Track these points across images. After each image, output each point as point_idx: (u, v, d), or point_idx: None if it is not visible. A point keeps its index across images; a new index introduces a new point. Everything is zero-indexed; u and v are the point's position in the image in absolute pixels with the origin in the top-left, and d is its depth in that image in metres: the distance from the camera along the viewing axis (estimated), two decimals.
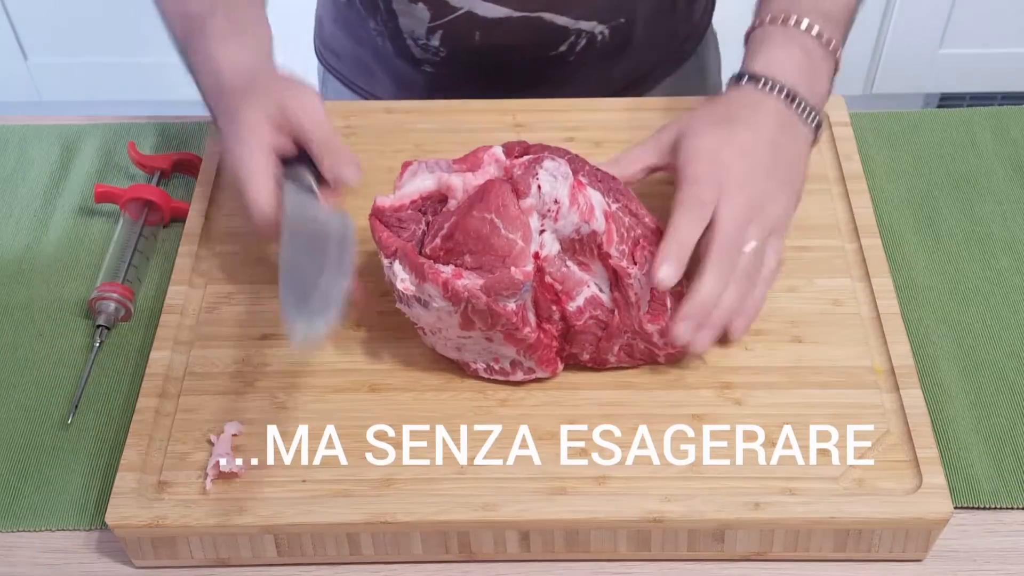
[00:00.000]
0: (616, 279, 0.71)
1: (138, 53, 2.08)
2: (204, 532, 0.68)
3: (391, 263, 0.71)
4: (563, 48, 0.98)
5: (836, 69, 0.82)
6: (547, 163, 0.70)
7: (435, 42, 0.98)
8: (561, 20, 0.96)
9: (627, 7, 0.98)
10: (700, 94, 1.02)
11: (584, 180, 0.71)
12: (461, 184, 0.71)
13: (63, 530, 0.72)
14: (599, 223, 0.70)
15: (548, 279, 0.70)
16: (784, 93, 0.78)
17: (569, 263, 0.71)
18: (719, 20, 1.12)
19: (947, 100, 2.16)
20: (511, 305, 0.68)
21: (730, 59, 0.97)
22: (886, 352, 0.75)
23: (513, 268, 0.68)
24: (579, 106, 0.93)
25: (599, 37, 0.98)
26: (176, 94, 2.16)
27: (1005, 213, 0.88)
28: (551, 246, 0.70)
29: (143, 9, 2.16)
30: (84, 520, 0.72)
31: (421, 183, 0.73)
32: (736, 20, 0.96)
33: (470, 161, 0.73)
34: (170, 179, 0.93)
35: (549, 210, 0.69)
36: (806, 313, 0.78)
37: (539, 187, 0.69)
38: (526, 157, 0.72)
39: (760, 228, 0.74)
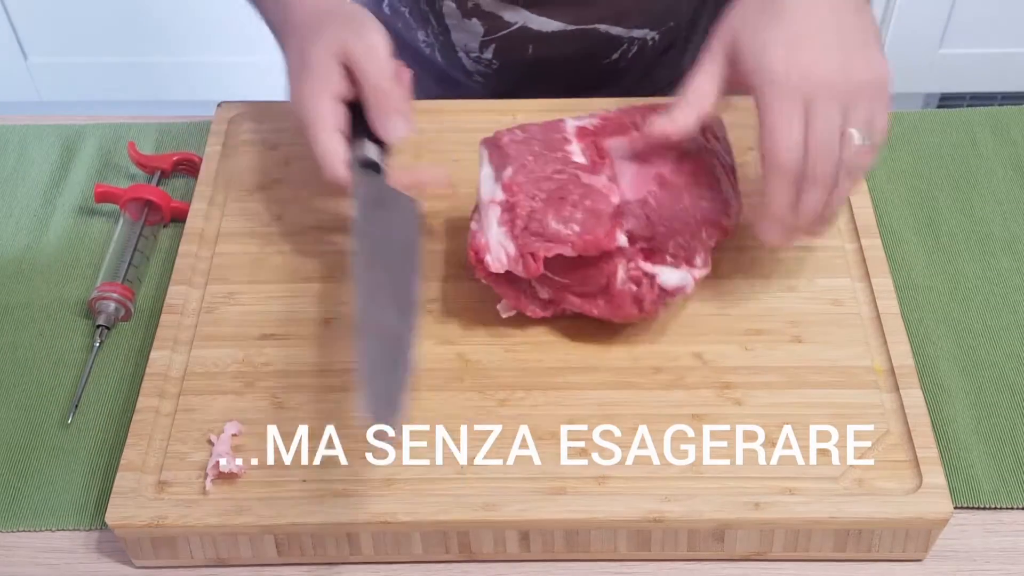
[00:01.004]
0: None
1: (138, 53, 2.08)
2: (204, 532, 0.68)
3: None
4: (615, 56, 0.98)
5: None
6: None
7: (488, 55, 0.98)
8: (616, 30, 0.96)
9: (677, 11, 0.98)
10: None
11: None
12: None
13: (63, 530, 0.72)
14: None
15: None
16: None
17: None
18: None
19: (947, 100, 2.16)
20: None
21: None
22: (886, 352, 0.75)
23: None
24: (579, 106, 0.93)
25: (650, 43, 0.98)
26: (176, 94, 2.17)
27: (1005, 213, 0.88)
28: None
29: (143, 9, 2.17)
30: (84, 520, 0.72)
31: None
32: None
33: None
34: (170, 179, 0.93)
35: None
36: (806, 313, 0.78)
37: None
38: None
39: (859, 111, 0.69)
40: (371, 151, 0.76)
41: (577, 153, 0.76)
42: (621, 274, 0.73)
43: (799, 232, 0.71)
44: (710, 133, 0.79)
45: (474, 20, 0.95)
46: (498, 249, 0.72)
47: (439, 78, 1.04)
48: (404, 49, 1.03)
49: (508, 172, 0.75)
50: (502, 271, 0.73)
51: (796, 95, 0.68)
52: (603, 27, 0.95)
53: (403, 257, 0.72)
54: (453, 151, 0.90)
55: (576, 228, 0.71)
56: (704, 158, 0.77)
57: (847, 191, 0.71)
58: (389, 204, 0.75)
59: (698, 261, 0.74)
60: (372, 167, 0.76)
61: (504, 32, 0.95)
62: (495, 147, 0.78)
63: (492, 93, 1.02)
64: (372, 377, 0.63)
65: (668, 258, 0.73)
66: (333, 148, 0.74)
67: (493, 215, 0.73)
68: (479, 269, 0.74)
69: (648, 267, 0.73)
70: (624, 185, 0.74)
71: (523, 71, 0.98)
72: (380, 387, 0.63)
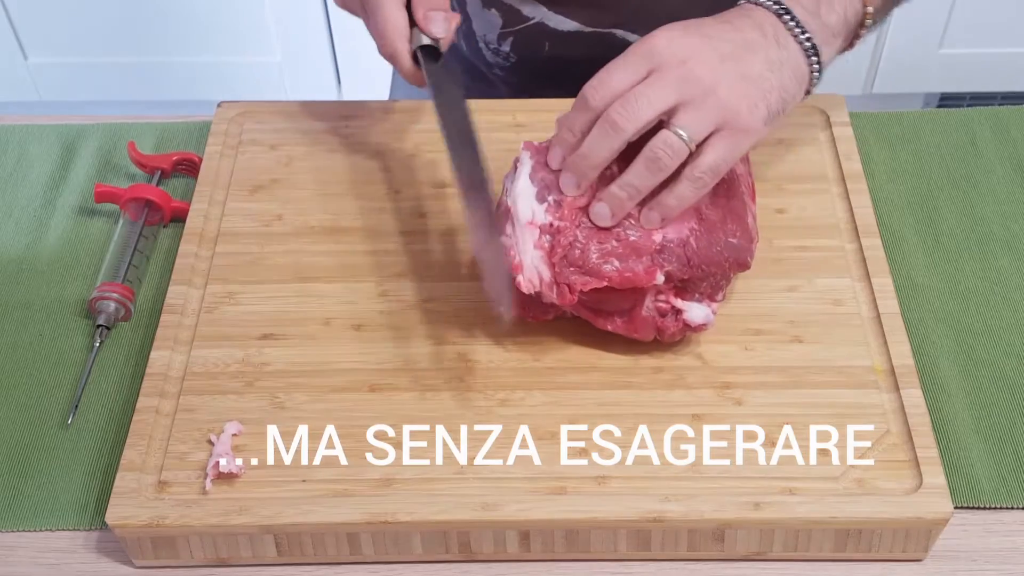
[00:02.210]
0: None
1: (138, 53, 2.08)
2: (204, 532, 0.68)
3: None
4: None
5: (863, 21, 0.77)
6: None
7: (506, 48, 0.98)
8: (632, 37, 0.95)
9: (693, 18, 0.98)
10: None
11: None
12: None
13: (63, 530, 0.72)
14: None
15: None
16: (777, 6, 0.73)
17: None
18: None
19: (947, 100, 2.16)
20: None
21: None
22: (886, 352, 0.75)
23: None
24: None
25: None
26: (176, 94, 2.17)
27: (1005, 213, 0.88)
28: None
29: (143, 9, 2.17)
30: (84, 520, 0.72)
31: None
32: None
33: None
34: (170, 179, 0.93)
35: None
36: (806, 313, 0.78)
37: None
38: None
39: (699, 115, 0.69)
40: (426, 38, 0.78)
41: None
42: (648, 303, 0.72)
43: (586, 179, 0.71)
44: None
45: (493, 11, 0.95)
46: (532, 271, 0.71)
47: (467, 67, 1.04)
48: None
49: (554, 193, 0.72)
50: (532, 292, 0.72)
51: (651, 58, 0.69)
52: (620, 32, 0.95)
53: (471, 135, 0.76)
54: None
55: (616, 264, 0.70)
56: (735, 184, 0.75)
57: (668, 199, 0.70)
58: (452, 85, 0.78)
59: (719, 296, 0.74)
60: (431, 51, 0.78)
61: (522, 26, 0.96)
62: (536, 158, 0.74)
63: (511, 87, 1.02)
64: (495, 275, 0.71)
65: (696, 295, 0.73)
66: (395, 22, 0.76)
67: (531, 236, 0.72)
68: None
69: (677, 302, 0.73)
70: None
71: (540, 68, 0.98)
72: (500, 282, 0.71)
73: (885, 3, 0.79)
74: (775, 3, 0.73)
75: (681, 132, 0.68)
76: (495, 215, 0.73)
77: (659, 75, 0.69)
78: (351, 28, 2.02)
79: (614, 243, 0.71)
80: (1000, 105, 0.98)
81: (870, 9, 0.76)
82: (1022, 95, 2.12)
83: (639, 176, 0.69)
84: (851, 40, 0.78)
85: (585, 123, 0.70)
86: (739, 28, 0.72)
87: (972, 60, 2.07)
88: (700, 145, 0.69)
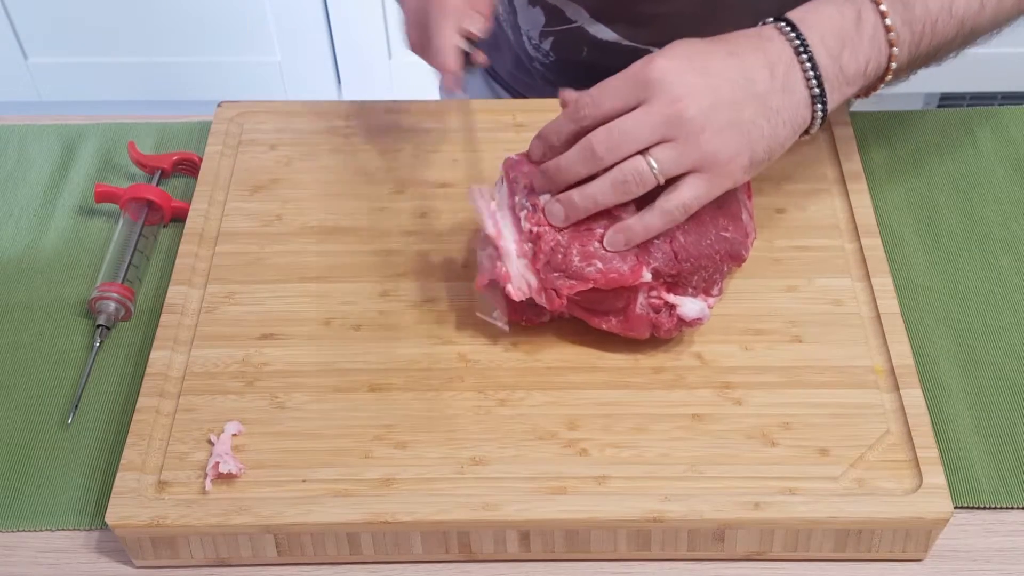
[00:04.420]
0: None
1: (138, 53, 2.08)
2: (204, 532, 0.68)
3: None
4: None
5: (884, 76, 0.73)
6: None
7: (546, 46, 0.99)
8: None
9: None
10: None
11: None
12: None
13: (63, 530, 0.72)
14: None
15: None
16: (799, 40, 0.69)
17: None
18: None
19: (947, 100, 2.16)
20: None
21: None
22: (886, 352, 0.75)
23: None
24: None
25: None
26: (176, 94, 2.17)
27: (1005, 213, 0.88)
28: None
29: (143, 9, 2.17)
30: (84, 520, 0.72)
31: None
32: None
33: None
34: (170, 179, 0.93)
35: None
36: (806, 313, 0.78)
37: None
38: None
39: (678, 153, 0.68)
40: (463, 42, 0.79)
41: None
42: (641, 300, 0.72)
43: (556, 188, 0.71)
44: None
45: (537, 8, 0.96)
46: (520, 280, 0.72)
47: (513, 57, 1.05)
48: (495, 17, 1.04)
49: (531, 198, 0.73)
50: (523, 299, 0.72)
51: (645, 89, 0.68)
52: (655, 51, 0.95)
53: None
54: (452, 151, 0.90)
55: (600, 265, 0.70)
56: None
57: (636, 223, 0.70)
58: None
59: (715, 290, 0.74)
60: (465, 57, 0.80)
61: (563, 28, 0.96)
62: (516, 170, 0.74)
63: (549, 83, 1.03)
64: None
65: (689, 289, 0.73)
66: (450, 41, 0.77)
67: (515, 245, 0.72)
68: (477, 283, 0.74)
69: (670, 297, 0.73)
70: None
71: (577, 71, 0.98)
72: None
73: (912, 62, 0.75)
74: (797, 36, 0.70)
75: (654, 164, 0.68)
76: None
77: (647, 110, 0.68)
78: (351, 28, 2.03)
79: (596, 244, 0.71)
80: (1000, 105, 0.98)
81: (894, 65, 0.73)
82: (1022, 95, 2.12)
83: (602, 193, 0.69)
84: (867, 91, 0.75)
85: (570, 134, 0.71)
86: (747, 65, 0.69)
87: (972, 60, 2.06)
88: (677, 179, 0.69)
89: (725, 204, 0.74)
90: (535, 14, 0.96)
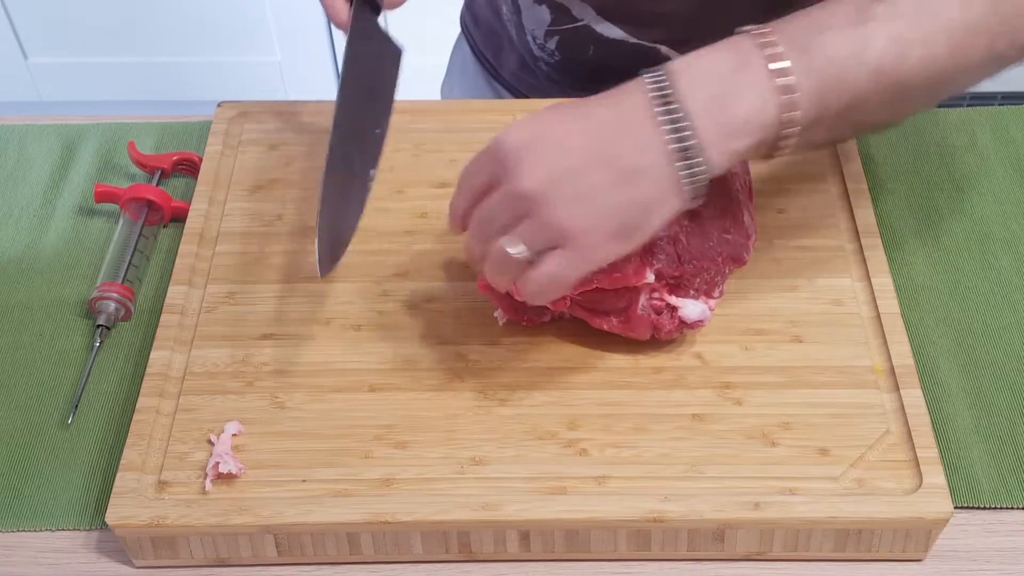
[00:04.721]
0: None
1: (138, 53, 2.08)
2: (204, 532, 0.68)
3: None
4: None
5: (786, 127, 0.63)
6: None
7: (551, 45, 0.98)
8: (675, 55, 0.95)
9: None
10: None
11: None
12: None
13: (63, 530, 0.72)
14: None
15: None
16: (661, 93, 0.62)
17: None
18: None
19: (947, 100, 2.16)
20: None
21: None
22: (886, 352, 0.75)
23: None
24: None
25: None
26: (176, 94, 2.17)
27: (1005, 213, 0.88)
28: None
29: (143, 9, 2.17)
30: (84, 520, 0.72)
31: None
32: None
33: None
34: (170, 179, 0.93)
35: None
36: (806, 313, 0.78)
37: None
38: None
39: (531, 231, 0.63)
40: None
41: None
42: (643, 301, 0.72)
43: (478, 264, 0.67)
44: None
45: (543, 7, 0.96)
46: None
47: (517, 58, 1.05)
48: (498, 17, 1.04)
49: None
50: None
51: (493, 164, 0.64)
52: (664, 48, 0.95)
53: (379, 94, 0.77)
54: (451, 151, 0.90)
55: (603, 265, 0.70)
56: (729, 183, 0.75)
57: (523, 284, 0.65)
58: (376, 42, 0.79)
59: (716, 292, 0.74)
60: (371, 4, 0.80)
61: (569, 26, 0.96)
62: None
63: (554, 83, 1.03)
64: (325, 227, 0.72)
65: (691, 292, 0.73)
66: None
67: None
68: (478, 283, 0.74)
69: (672, 299, 0.73)
70: None
71: (583, 70, 0.98)
72: (328, 239, 0.72)
73: (822, 117, 0.64)
74: (659, 88, 0.63)
75: (513, 248, 0.64)
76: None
77: (501, 190, 0.64)
78: None
79: None
80: (1000, 105, 0.98)
81: (796, 115, 0.63)
82: (1022, 95, 2.12)
83: (491, 270, 0.66)
84: (772, 148, 0.65)
85: (464, 219, 0.68)
86: (597, 127, 0.63)
87: None
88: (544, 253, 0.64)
89: (727, 206, 0.74)
90: (541, 12, 0.96)
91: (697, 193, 0.64)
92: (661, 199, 0.63)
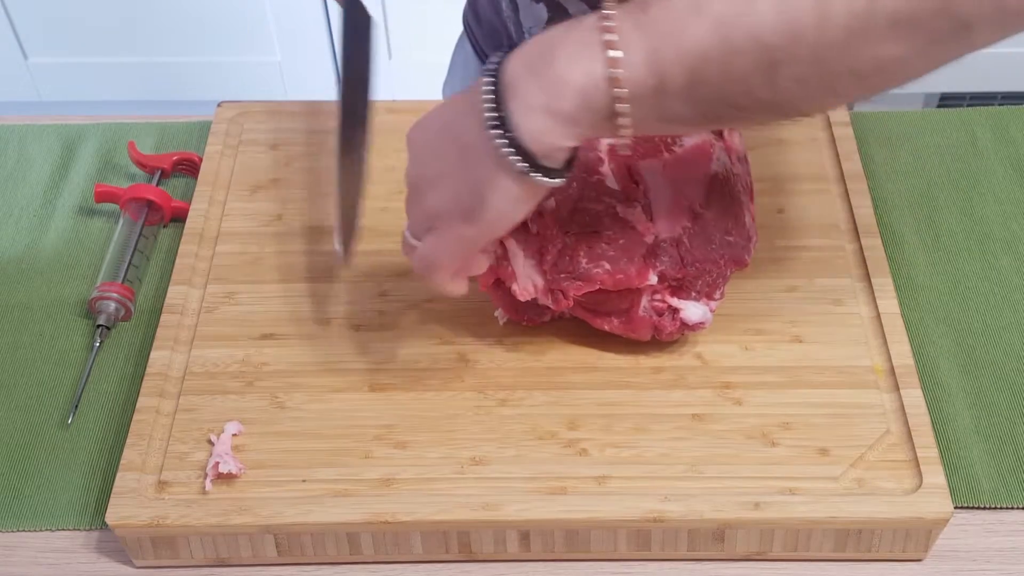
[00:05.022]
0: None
1: (138, 53, 2.08)
2: (204, 532, 0.68)
3: None
4: None
5: (615, 87, 0.57)
6: None
7: None
8: None
9: None
10: None
11: None
12: None
13: (63, 530, 0.72)
14: None
15: None
16: (493, 63, 0.59)
17: None
18: None
19: (947, 100, 2.16)
20: None
21: None
22: (886, 352, 0.75)
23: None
24: None
25: None
26: (176, 94, 2.17)
27: (1005, 213, 0.88)
28: None
29: (143, 9, 2.16)
30: (84, 520, 0.72)
31: None
32: None
33: None
34: (170, 179, 0.93)
35: None
36: (806, 313, 0.78)
37: None
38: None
39: (411, 213, 0.66)
40: None
41: (610, 177, 0.74)
42: (644, 303, 0.72)
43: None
44: (735, 155, 0.77)
45: (540, 5, 0.95)
46: (526, 280, 0.72)
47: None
48: (498, 15, 1.04)
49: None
50: (529, 299, 0.72)
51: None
52: None
53: (360, 67, 0.80)
54: None
55: (607, 266, 0.71)
56: (731, 184, 0.75)
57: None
58: (353, 13, 0.82)
59: (717, 294, 0.74)
60: None
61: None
62: None
63: None
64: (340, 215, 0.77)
65: (693, 293, 0.73)
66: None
67: (520, 245, 0.72)
68: (481, 282, 0.74)
69: (673, 301, 0.73)
70: (659, 217, 0.73)
71: None
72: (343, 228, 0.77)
73: (666, 83, 0.57)
74: (495, 59, 0.60)
75: (406, 233, 0.67)
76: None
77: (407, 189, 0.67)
78: None
79: (604, 246, 0.71)
80: (1000, 105, 0.98)
81: (619, 72, 0.57)
82: (1022, 95, 2.12)
83: (404, 253, 0.69)
84: (609, 121, 0.59)
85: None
86: (453, 106, 0.64)
87: (972, 60, 2.06)
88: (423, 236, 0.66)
89: (728, 207, 0.74)
90: (538, 10, 0.96)
91: (535, 170, 0.59)
92: (489, 176, 0.60)
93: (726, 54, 0.56)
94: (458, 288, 0.68)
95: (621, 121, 0.58)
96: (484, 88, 0.59)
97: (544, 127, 0.58)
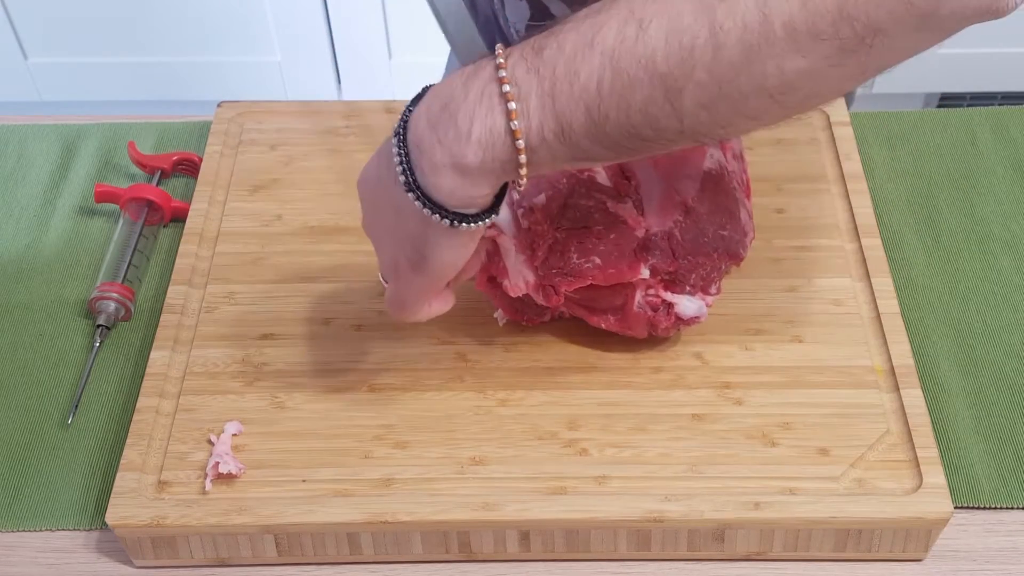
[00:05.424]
0: None
1: (138, 53, 2.08)
2: (204, 532, 0.68)
3: None
4: None
5: (515, 139, 0.56)
6: None
7: None
8: None
9: None
10: None
11: None
12: None
13: (63, 530, 0.72)
14: None
15: None
16: (404, 116, 0.59)
17: None
18: None
19: (947, 100, 2.16)
20: None
21: None
22: (886, 352, 0.75)
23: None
24: None
25: None
26: (176, 94, 2.17)
27: (1005, 213, 0.88)
28: None
29: (143, 9, 2.16)
30: (84, 520, 0.72)
31: None
32: None
33: None
34: (170, 179, 0.93)
35: None
36: (806, 313, 0.78)
37: None
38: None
39: (380, 262, 0.67)
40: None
41: (601, 173, 0.73)
42: (639, 298, 0.72)
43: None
44: (730, 153, 0.77)
45: (523, 3, 0.95)
46: (517, 276, 0.72)
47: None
48: (487, 7, 1.04)
49: (529, 194, 0.72)
50: (521, 295, 0.72)
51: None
52: None
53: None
54: None
55: (598, 261, 0.71)
56: (725, 180, 0.75)
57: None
58: None
59: (713, 289, 0.74)
60: None
61: (547, 23, 0.96)
62: None
63: None
64: None
65: (687, 288, 0.73)
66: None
67: (511, 241, 0.72)
68: (477, 282, 0.74)
69: (667, 295, 0.73)
70: (650, 212, 0.73)
71: None
72: None
73: (565, 130, 0.56)
74: (398, 144, 0.58)
75: (379, 273, 0.68)
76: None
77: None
78: (351, 28, 2.03)
79: (595, 241, 0.71)
80: (1000, 105, 0.98)
81: (515, 124, 0.56)
82: (1022, 95, 2.12)
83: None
84: (516, 168, 0.58)
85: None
86: (382, 155, 0.62)
87: (972, 60, 2.07)
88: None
89: (722, 203, 0.74)
90: (521, 8, 0.96)
91: (461, 220, 0.59)
92: (421, 232, 0.60)
93: (622, 88, 0.55)
94: (435, 312, 0.68)
95: (529, 170, 0.57)
96: (395, 148, 0.58)
97: (454, 184, 0.58)
